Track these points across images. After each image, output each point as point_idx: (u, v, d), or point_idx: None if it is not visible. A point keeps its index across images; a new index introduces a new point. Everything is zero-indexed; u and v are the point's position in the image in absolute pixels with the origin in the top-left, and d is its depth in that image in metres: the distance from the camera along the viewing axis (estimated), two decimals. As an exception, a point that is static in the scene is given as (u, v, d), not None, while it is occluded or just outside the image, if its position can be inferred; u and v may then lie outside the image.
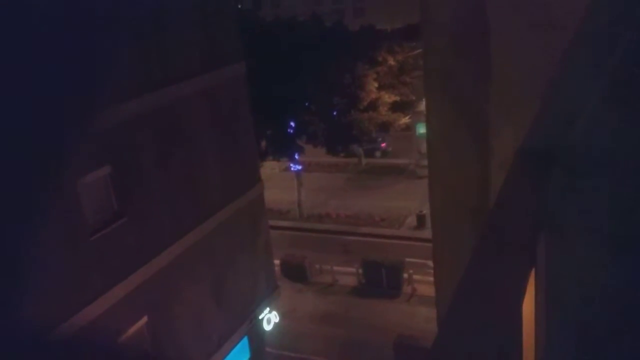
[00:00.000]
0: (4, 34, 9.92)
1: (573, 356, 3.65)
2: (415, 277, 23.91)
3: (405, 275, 24.08)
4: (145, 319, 13.12)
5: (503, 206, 3.17)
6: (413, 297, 23.59)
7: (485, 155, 3.79)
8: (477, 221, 3.76)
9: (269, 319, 18.17)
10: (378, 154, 37.91)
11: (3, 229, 9.97)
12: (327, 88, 28.15)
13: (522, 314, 2.52)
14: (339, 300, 24.20)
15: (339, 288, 25.09)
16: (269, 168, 33.72)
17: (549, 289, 3.39)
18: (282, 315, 19.77)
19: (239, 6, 42.35)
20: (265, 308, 17.96)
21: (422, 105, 31.10)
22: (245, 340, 17.05)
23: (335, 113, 29.49)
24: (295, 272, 25.58)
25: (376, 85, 29.60)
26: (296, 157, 30.40)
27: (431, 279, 22.54)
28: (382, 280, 24.01)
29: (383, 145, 37.69)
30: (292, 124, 29.30)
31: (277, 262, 22.80)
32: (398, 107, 31.22)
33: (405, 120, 33.31)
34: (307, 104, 29.16)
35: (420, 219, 28.09)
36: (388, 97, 30.41)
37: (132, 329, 12.76)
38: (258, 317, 17.66)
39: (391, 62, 31.08)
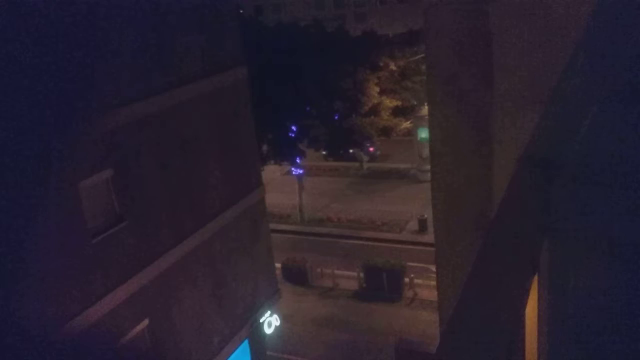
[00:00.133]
0: (6, 36, 9.97)
1: (574, 357, 3.67)
2: (416, 281, 23.90)
3: (406, 280, 24.05)
4: (146, 321, 13.13)
5: (506, 211, 3.19)
6: (414, 301, 23.55)
7: (488, 160, 3.80)
8: (480, 225, 3.77)
9: (270, 322, 18.20)
10: (365, 158, 37.06)
11: (5, 231, 10.00)
12: (329, 93, 28.17)
13: (525, 316, 2.54)
14: (340, 304, 24.18)
15: (340, 292, 25.06)
16: (270, 172, 33.73)
17: (551, 293, 3.40)
18: (283, 319, 19.78)
19: (241, 11, 42.43)
20: (266, 311, 17.97)
21: (424, 110, 31.13)
22: (246, 344, 17.06)
23: (336, 117, 29.50)
24: (296, 276, 25.58)
25: (377, 90, 29.63)
26: (298, 161, 30.41)
27: (432, 283, 22.57)
28: (383, 284, 23.97)
29: (371, 149, 36.46)
30: (294, 128, 29.32)
31: (278, 265, 22.79)
32: (399, 112, 31.27)
33: (406, 125, 33.30)
34: (308, 108, 29.16)
35: (422, 224, 28.08)
36: (389, 102, 30.48)
37: (133, 332, 12.76)
38: (259, 320, 17.67)
39: (392, 67, 31.15)
